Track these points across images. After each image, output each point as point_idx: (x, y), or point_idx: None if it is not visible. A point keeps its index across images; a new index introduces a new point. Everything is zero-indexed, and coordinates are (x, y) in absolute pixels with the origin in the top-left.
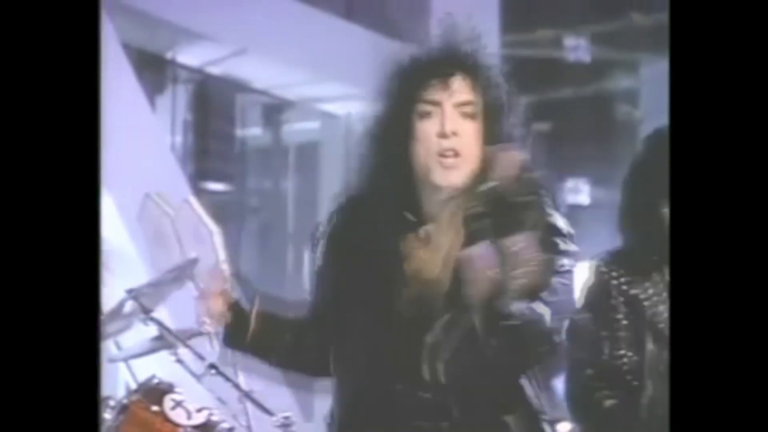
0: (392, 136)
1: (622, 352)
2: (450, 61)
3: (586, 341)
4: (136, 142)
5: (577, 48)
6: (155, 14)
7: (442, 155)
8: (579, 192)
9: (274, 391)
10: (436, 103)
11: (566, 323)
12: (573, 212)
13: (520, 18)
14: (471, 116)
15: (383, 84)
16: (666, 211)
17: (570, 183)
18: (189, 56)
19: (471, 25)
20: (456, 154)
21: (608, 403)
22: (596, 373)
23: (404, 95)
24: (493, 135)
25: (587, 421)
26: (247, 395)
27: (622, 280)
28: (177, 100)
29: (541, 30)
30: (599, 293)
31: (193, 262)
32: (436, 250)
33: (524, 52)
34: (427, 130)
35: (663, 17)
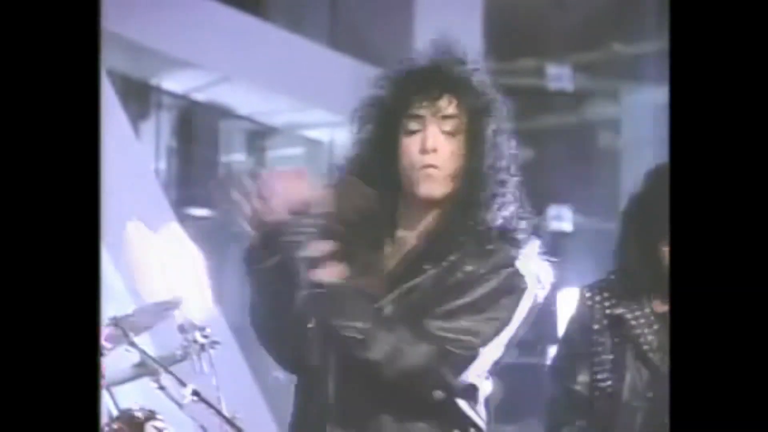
0: (381, 158)
1: (604, 376)
2: (438, 81)
3: (565, 372)
4: (120, 168)
5: (559, 77)
6: (140, 41)
7: (424, 168)
8: (562, 219)
9: (257, 417)
10: (421, 119)
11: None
12: (556, 239)
13: (503, 47)
14: (452, 133)
15: (372, 99)
16: (664, 249)
17: (553, 210)
18: (173, 83)
19: (461, 47)
20: (435, 168)
21: None
22: (571, 403)
23: (393, 111)
24: (475, 151)
25: None
26: (230, 422)
27: (606, 303)
28: (161, 126)
29: (524, 59)
30: (583, 320)
31: (179, 301)
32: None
33: (507, 80)
34: (411, 146)
35: (644, 47)
